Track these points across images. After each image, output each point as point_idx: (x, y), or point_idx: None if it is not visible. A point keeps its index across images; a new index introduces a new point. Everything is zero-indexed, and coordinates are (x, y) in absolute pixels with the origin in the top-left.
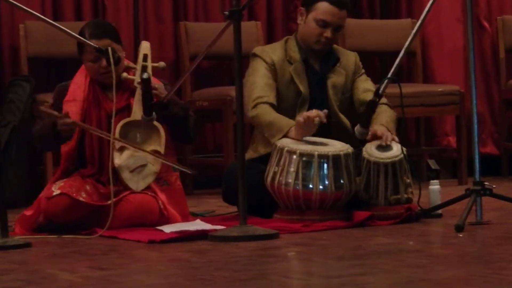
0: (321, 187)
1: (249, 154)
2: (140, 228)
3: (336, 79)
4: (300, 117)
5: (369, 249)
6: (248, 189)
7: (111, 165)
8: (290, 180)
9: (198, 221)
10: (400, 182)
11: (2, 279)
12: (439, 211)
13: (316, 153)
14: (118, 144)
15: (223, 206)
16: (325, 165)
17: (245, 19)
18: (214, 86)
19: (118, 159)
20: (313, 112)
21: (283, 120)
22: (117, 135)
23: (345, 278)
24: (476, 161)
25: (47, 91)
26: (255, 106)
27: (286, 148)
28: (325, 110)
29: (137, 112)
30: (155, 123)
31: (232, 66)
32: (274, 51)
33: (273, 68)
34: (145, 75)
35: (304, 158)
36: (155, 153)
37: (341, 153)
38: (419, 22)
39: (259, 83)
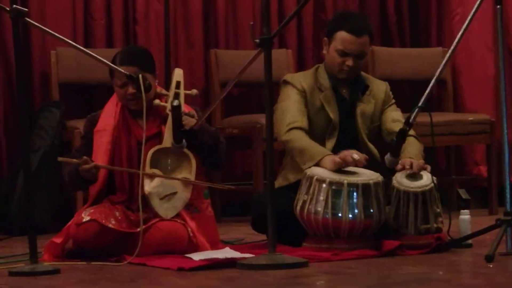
0: (350, 216)
1: (279, 182)
2: (169, 255)
3: (365, 107)
4: (338, 158)
5: (398, 279)
6: (278, 217)
7: (141, 192)
8: (319, 209)
9: (227, 249)
10: (430, 211)
11: None
12: (469, 241)
13: (345, 181)
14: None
15: (252, 234)
16: (355, 194)
17: (275, 46)
18: (244, 114)
19: (148, 187)
20: (352, 156)
21: (316, 148)
22: (148, 162)
23: None
24: (507, 191)
25: (78, 118)
26: (289, 131)
27: (315, 177)
28: (366, 156)
29: (168, 139)
30: (186, 150)
31: (262, 94)
32: (304, 79)
33: (304, 95)
34: (175, 102)
35: (333, 187)
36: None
37: (371, 181)
38: (451, 50)
39: (292, 108)
